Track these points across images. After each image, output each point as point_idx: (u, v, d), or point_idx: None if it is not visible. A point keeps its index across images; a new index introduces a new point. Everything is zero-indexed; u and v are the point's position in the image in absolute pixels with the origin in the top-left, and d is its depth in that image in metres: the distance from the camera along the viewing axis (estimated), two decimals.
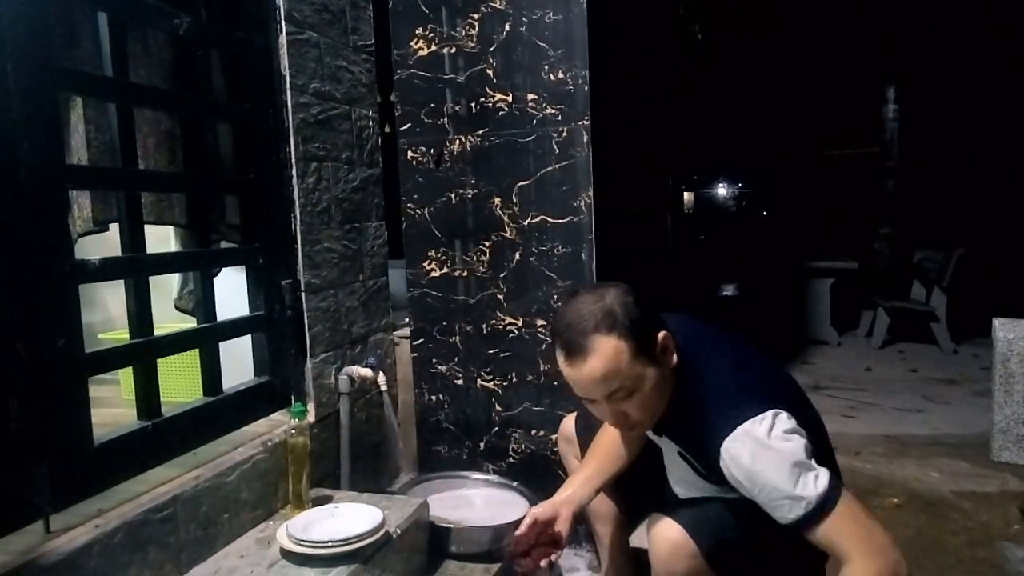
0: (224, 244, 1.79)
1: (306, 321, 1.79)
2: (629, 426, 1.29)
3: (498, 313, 2.21)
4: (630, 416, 1.26)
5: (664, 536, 1.31)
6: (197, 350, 1.59)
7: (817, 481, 1.14)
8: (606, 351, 1.18)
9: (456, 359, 2.28)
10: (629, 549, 1.74)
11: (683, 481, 1.45)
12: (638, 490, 1.62)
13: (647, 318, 1.22)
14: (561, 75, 2.08)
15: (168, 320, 1.95)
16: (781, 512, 1.16)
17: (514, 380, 2.22)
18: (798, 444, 1.17)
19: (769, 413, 1.18)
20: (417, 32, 2.23)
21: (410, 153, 2.27)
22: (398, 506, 1.65)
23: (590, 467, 1.54)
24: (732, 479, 1.21)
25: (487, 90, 2.17)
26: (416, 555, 1.64)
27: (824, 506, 1.13)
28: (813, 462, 1.16)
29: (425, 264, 2.29)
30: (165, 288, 1.89)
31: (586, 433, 1.63)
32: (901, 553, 1.18)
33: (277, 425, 1.72)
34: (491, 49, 2.15)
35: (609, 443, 1.56)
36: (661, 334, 1.23)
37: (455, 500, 2.01)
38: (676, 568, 1.30)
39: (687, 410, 1.28)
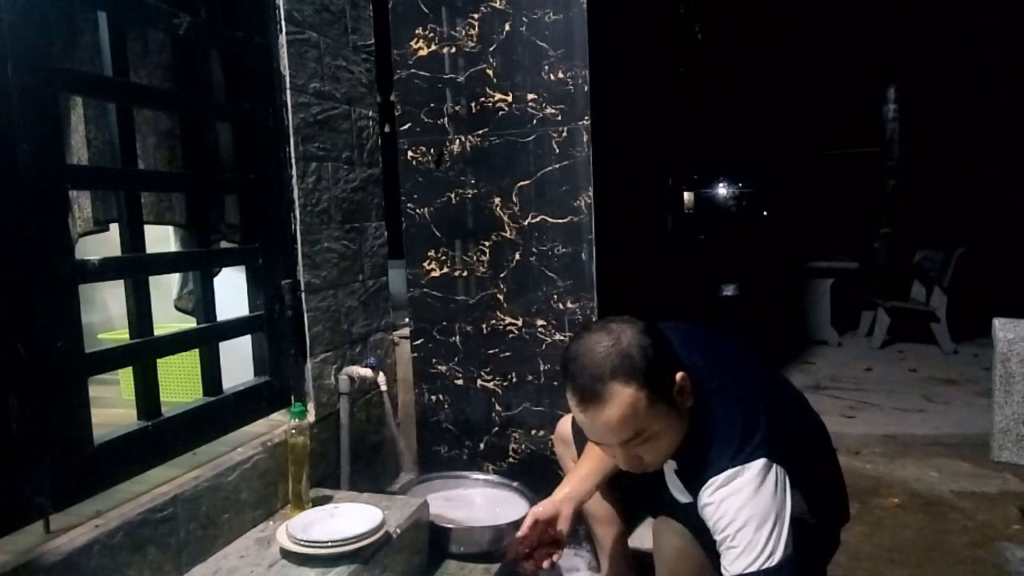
0: (224, 244, 1.79)
1: (306, 321, 1.79)
2: (642, 468, 1.24)
3: (498, 313, 2.21)
4: (644, 459, 1.21)
5: (670, 543, 1.31)
6: (197, 350, 1.59)
7: (774, 551, 1.10)
8: (623, 400, 1.12)
9: (456, 359, 2.28)
10: (628, 551, 1.73)
11: (679, 491, 1.43)
12: (637, 492, 1.61)
13: (664, 361, 1.17)
14: (561, 75, 2.08)
15: (168, 320, 1.95)
16: (727, 559, 1.13)
17: (514, 380, 2.22)
18: (771, 503, 1.13)
19: (757, 463, 1.15)
20: (417, 32, 2.22)
21: (410, 153, 2.27)
22: (398, 506, 1.65)
23: (587, 465, 1.52)
24: (703, 513, 1.19)
25: (487, 90, 2.17)
26: (416, 555, 1.64)
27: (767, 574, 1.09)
28: (783, 529, 1.12)
29: (425, 264, 2.29)
30: (165, 288, 1.89)
31: (582, 434, 1.60)
32: None
33: (277, 425, 1.72)
34: (491, 49, 2.15)
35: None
36: (679, 375, 1.18)
37: (455, 500, 2.01)
38: (681, 574, 1.30)
39: (692, 445, 1.24)
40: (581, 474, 1.51)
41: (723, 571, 1.15)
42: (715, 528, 1.17)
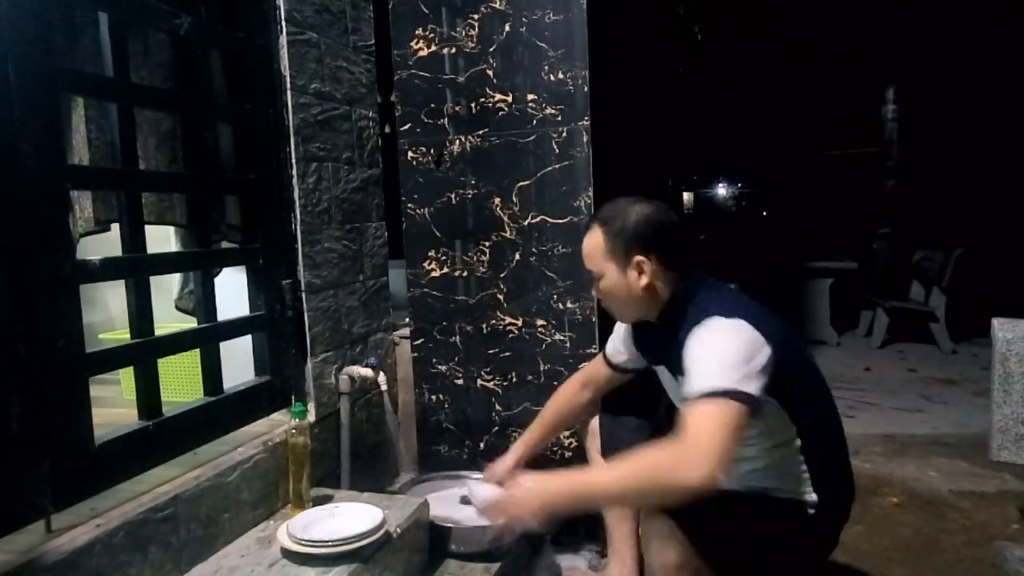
0: (224, 244, 1.79)
1: (306, 321, 1.80)
2: (609, 307, 1.53)
3: (498, 313, 2.22)
4: (604, 299, 1.51)
5: (656, 528, 1.34)
6: (198, 350, 1.59)
7: (731, 375, 1.19)
8: (592, 234, 1.45)
9: (456, 359, 2.28)
10: (638, 547, 1.74)
11: (678, 400, 1.47)
12: None
13: (636, 237, 1.40)
14: (561, 75, 2.08)
15: (169, 320, 1.95)
16: (689, 382, 1.23)
17: (514, 380, 2.22)
18: (741, 344, 1.24)
19: (737, 320, 1.28)
20: (417, 32, 2.23)
21: (410, 153, 2.28)
22: (398, 506, 1.66)
23: (541, 425, 1.80)
24: (684, 354, 1.29)
25: (487, 90, 2.17)
26: (416, 554, 1.64)
27: (714, 393, 1.18)
28: (747, 367, 1.21)
29: (425, 264, 2.29)
30: (166, 288, 1.89)
31: (610, 425, 1.74)
32: (713, 473, 1.13)
33: (277, 425, 1.72)
34: (491, 49, 2.16)
35: (562, 404, 1.79)
36: (639, 256, 1.40)
37: (455, 500, 2.01)
38: (668, 557, 1.34)
39: (678, 313, 1.40)
40: (534, 434, 1.80)
41: (685, 393, 1.23)
42: (689, 361, 1.27)
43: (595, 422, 1.79)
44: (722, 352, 1.23)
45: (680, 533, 1.32)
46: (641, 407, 1.74)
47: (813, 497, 1.39)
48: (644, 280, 1.40)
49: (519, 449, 1.80)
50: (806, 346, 1.51)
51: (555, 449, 2.17)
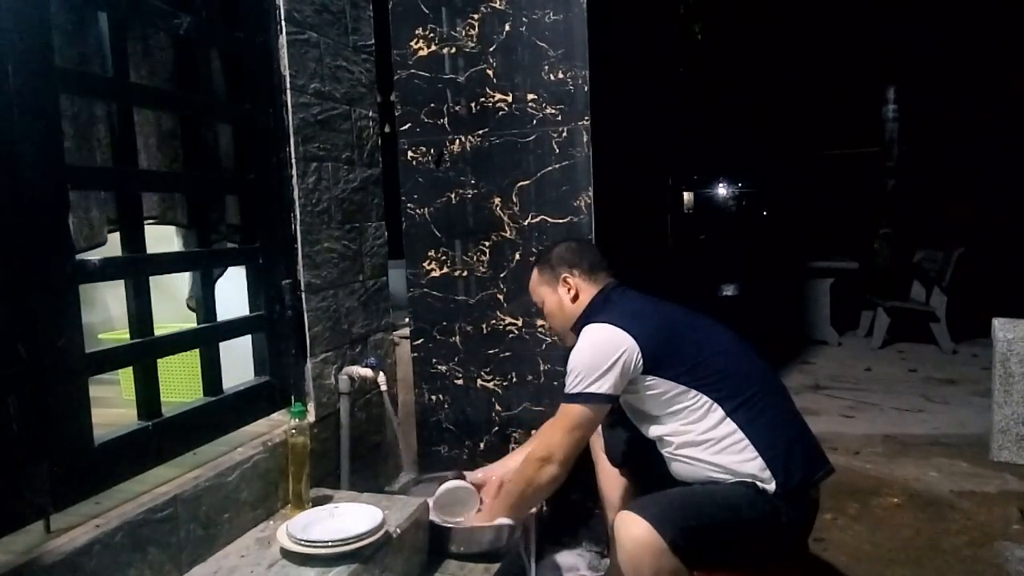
0: (225, 244, 1.79)
1: (306, 321, 1.79)
2: (553, 329, 1.89)
3: (498, 313, 2.22)
4: (548, 325, 1.91)
5: (629, 533, 1.35)
6: (197, 350, 1.59)
7: (580, 383, 1.51)
8: (531, 277, 1.80)
9: (456, 359, 2.28)
10: None
11: None
12: (649, 481, 1.64)
13: (559, 262, 1.73)
14: (561, 75, 2.08)
15: (168, 320, 1.95)
16: (565, 383, 1.56)
17: (514, 380, 2.22)
18: (594, 352, 1.52)
19: (601, 324, 1.56)
20: (417, 32, 2.23)
21: (410, 153, 2.28)
22: (398, 506, 1.65)
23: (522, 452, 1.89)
24: None
25: (487, 90, 2.17)
26: (416, 555, 1.64)
27: (569, 399, 1.53)
28: (594, 373, 1.50)
29: (425, 264, 2.29)
30: (166, 288, 1.89)
31: (609, 428, 1.80)
32: (561, 467, 1.55)
33: (277, 425, 1.72)
34: (491, 49, 2.15)
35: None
36: (564, 275, 1.72)
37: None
38: (643, 563, 1.33)
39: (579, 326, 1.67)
40: (517, 457, 1.87)
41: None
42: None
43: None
44: (579, 359, 1.54)
45: (661, 543, 1.33)
46: None
47: (761, 464, 1.44)
48: (572, 291, 1.71)
49: (500, 468, 1.88)
50: (713, 325, 1.66)
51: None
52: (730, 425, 1.48)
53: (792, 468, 1.46)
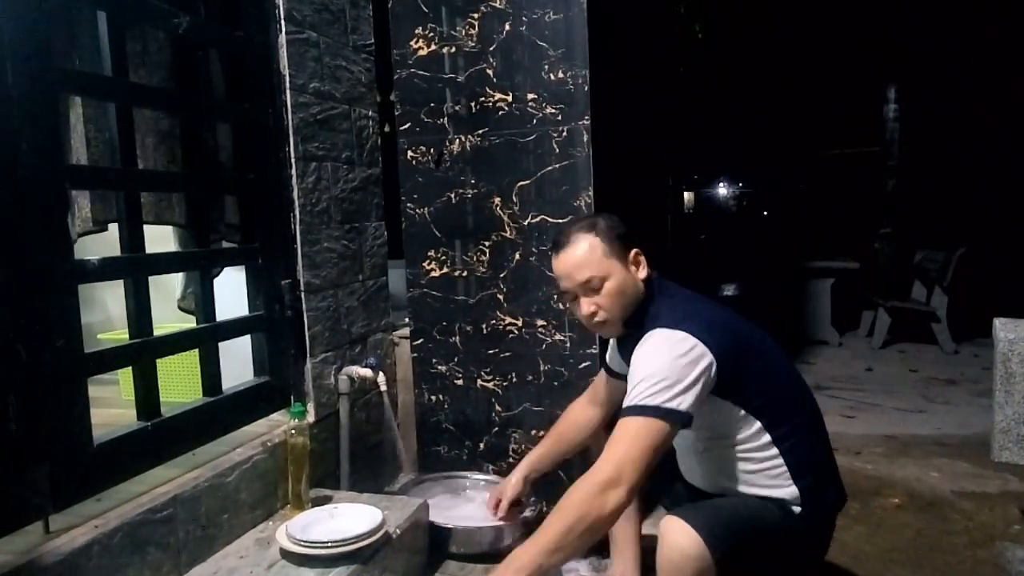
0: (224, 244, 1.79)
1: (306, 321, 1.79)
2: (600, 321, 1.47)
3: (498, 313, 2.21)
4: (600, 308, 1.45)
5: (676, 542, 1.28)
6: (197, 350, 1.58)
7: (661, 393, 1.27)
8: (583, 243, 1.45)
9: (456, 359, 2.28)
10: (640, 539, 1.74)
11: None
12: (651, 481, 1.62)
13: (625, 234, 1.48)
14: (561, 75, 2.07)
15: (168, 320, 1.95)
16: (631, 393, 1.31)
17: (514, 380, 2.22)
18: (679, 361, 1.29)
19: (679, 332, 1.33)
20: (417, 32, 2.22)
21: (410, 153, 2.27)
22: (398, 506, 1.65)
23: (547, 443, 1.76)
24: (632, 362, 1.36)
25: (487, 90, 2.17)
26: (416, 555, 1.64)
27: (641, 410, 1.27)
28: (680, 385, 1.27)
29: (425, 264, 2.28)
30: (165, 288, 1.89)
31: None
32: (630, 494, 1.25)
33: (277, 425, 1.72)
34: (491, 49, 2.15)
35: (568, 422, 1.75)
36: (634, 250, 1.48)
37: (455, 500, 2.01)
38: (686, 572, 1.29)
39: (641, 320, 1.45)
40: (540, 451, 1.76)
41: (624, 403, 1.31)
42: (630, 373, 1.35)
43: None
44: (656, 368, 1.30)
45: (707, 552, 1.28)
46: None
47: (795, 492, 1.41)
48: (643, 272, 1.49)
49: (523, 469, 1.76)
50: (774, 347, 1.51)
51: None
52: (773, 450, 1.41)
53: (823, 499, 1.44)
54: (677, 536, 1.28)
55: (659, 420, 1.26)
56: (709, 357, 1.31)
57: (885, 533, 2.30)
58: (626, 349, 1.56)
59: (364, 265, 2.07)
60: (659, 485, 1.59)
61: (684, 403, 1.27)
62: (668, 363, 1.30)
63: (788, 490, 1.41)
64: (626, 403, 1.30)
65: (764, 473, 1.42)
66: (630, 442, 1.26)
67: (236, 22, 1.65)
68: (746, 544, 1.33)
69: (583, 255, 1.44)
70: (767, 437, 1.41)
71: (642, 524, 1.76)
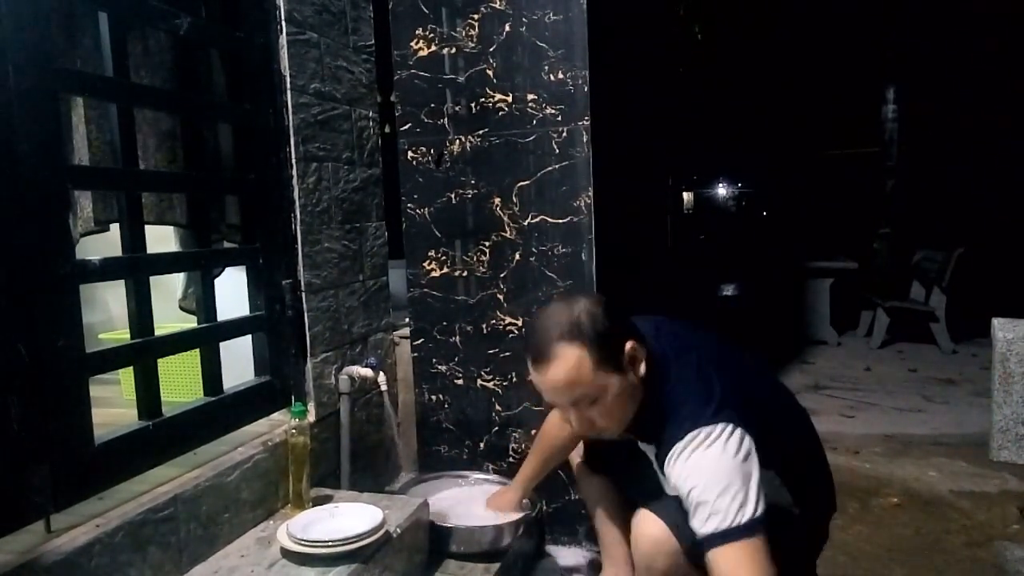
0: (225, 244, 1.79)
1: (306, 321, 1.80)
2: (596, 432, 1.33)
3: (498, 313, 2.22)
4: (596, 423, 1.29)
5: (646, 532, 1.32)
6: (198, 350, 1.59)
7: (743, 508, 1.13)
8: (569, 359, 1.21)
9: (456, 359, 2.28)
10: (627, 540, 1.74)
11: (663, 478, 1.45)
12: (636, 487, 1.63)
13: (614, 329, 1.25)
14: (561, 75, 2.08)
15: (169, 320, 1.95)
16: (696, 520, 1.17)
17: (514, 380, 2.22)
18: (738, 462, 1.16)
19: (720, 426, 1.19)
20: (417, 32, 2.23)
21: (410, 153, 2.28)
22: (398, 506, 1.66)
23: (534, 463, 1.77)
24: (672, 481, 1.23)
25: (487, 90, 2.17)
26: (416, 554, 1.64)
27: (733, 534, 1.12)
28: (751, 488, 1.15)
29: (425, 264, 2.29)
30: (166, 288, 1.89)
31: (593, 444, 1.70)
32: None
33: (277, 425, 1.72)
34: (491, 49, 2.15)
35: (547, 444, 1.73)
36: (629, 344, 1.25)
37: (455, 499, 2.01)
38: (657, 564, 1.32)
39: (653, 416, 1.30)
40: (528, 473, 1.78)
41: (695, 532, 1.18)
42: (684, 493, 1.20)
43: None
44: (726, 481, 1.15)
45: (675, 542, 1.29)
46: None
47: (788, 499, 1.39)
48: (642, 368, 1.28)
49: (519, 490, 1.82)
50: (753, 365, 1.45)
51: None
52: (769, 472, 1.32)
53: (817, 504, 1.45)
54: (647, 527, 1.31)
55: (757, 536, 1.13)
56: (748, 437, 1.20)
57: (884, 532, 2.31)
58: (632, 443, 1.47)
59: (364, 265, 2.08)
60: (643, 492, 1.58)
61: (761, 500, 1.16)
62: (734, 468, 1.16)
63: (783, 498, 1.40)
64: (713, 528, 1.14)
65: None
66: (753, 571, 1.12)
67: (237, 23, 1.65)
68: None
69: (570, 375, 1.22)
70: (768, 474, 1.32)
71: (627, 526, 1.75)
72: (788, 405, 1.50)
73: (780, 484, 1.36)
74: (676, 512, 1.31)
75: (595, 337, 1.22)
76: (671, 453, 1.22)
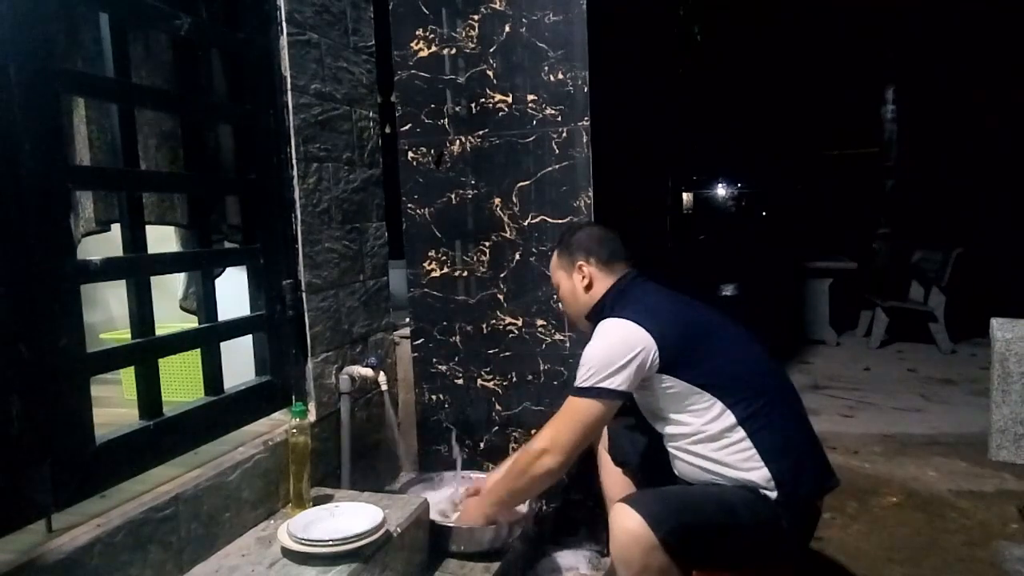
0: (225, 244, 1.79)
1: (307, 321, 1.80)
2: (565, 311, 1.88)
3: (498, 313, 2.22)
4: (561, 302, 1.83)
5: (622, 525, 1.36)
6: (198, 350, 1.59)
7: (592, 375, 1.47)
8: (552, 259, 1.80)
9: (456, 359, 2.29)
10: None
11: None
12: (652, 481, 1.64)
13: (578, 250, 1.70)
14: (561, 76, 2.08)
15: (170, 320, 1.95)
16: (576, 377, 1.52)
17: (514, 380, 2.22)
18: (624, 346, 1.47)
19: (621, 319, 1.51)
20: (417, 33, 2.23)
21: (410, 153, 2.28)
22: (398, 505, 1.66)
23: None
24: None
25: (487, 91, 2.17)
26: (416, 554, 1.65)
27: (579, 392, 1.49)
28: (610, 367, 1.46)
29: (425, 264, 2.29)
30: (167, 288, 1.89)
31: (615, 428, 1.79)
32: (561, 460, 1.51)
33: (278, 424, 1.72)
34: (491, 50, 2.16)
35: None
36: (581, 261, 1.69)
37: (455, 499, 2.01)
38: (632, 557, 1.34)
39: (597, 315, 1.64)
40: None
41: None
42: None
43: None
44: (594, 353, 1.50)
45: (652, 537, 1.33)
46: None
47: (766, 474, 1.43)
48: (586, 280, 1.68)
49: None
50: (737, 332, 1.60)
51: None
52: (739, 432, 1.46)
53: (800, 480, 1.46)
54: (622, 520, 1.36)
55: (592, 400, 1.47)
56: (646, 338, 1.47)
57: (883, 532, 2.32)
58: None
59: (365, 265, 2.08)
60: (655, 484, 1.61)
61: (615, 382, 1.46)
62: (604, 347, 1.49)
63: (758, 473, 1.44)
64: (575, 382, 1.51)
65: (732, 455, 1.46)
66: (564, 419, 1.51)
67: (237, 24, 1.66)
68: (703, 525, 1.38)
69: (551, 268, 1.81)
70: (731, 418, 1.47)
71: None
72: (780, 386, 1.57)
73: (752, 448, 1.45)
74: (652, 503, 1.38)
75: (562, 247, 1.75)
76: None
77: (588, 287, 1.68)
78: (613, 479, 1.82)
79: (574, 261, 1.70)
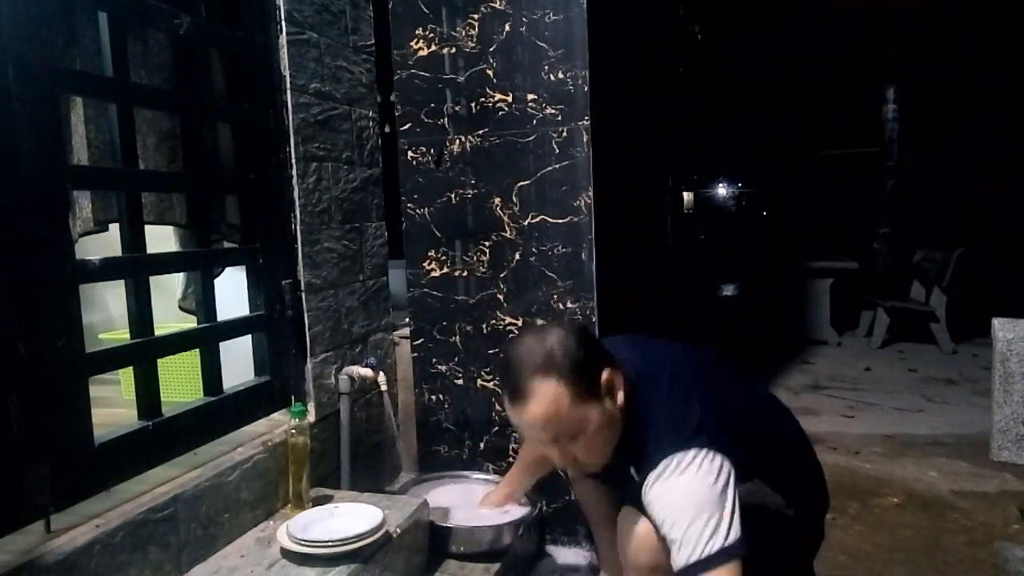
0: (225, 244, 1.79)
1: (306, 321, 1.80)
2: (580, 467, 1.29)
3: (498, 313, 2.22)
4: (578, 458, 1.25)
5: (630, 529, 1.33)
6: (197, 350, 1.59)
7: (714, 537, 1.11)
8: (545, 395, 1.16)
9: (456, 359, 2.28)
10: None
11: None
12: (629, 489, 1.63)
13: (590, 358, 1.20)
14: (561, 75, 2.08)
15: (169, 320, 1.95)
16: (672, 553, 1.14)
17: None
18: (709, 489, 1.13)
19: (692, 451, 1.15)
20: (417, 32, 2.23)
21: (410, 153, 2.28)
22: (398, 506, 1.65)
23: (520, 471, 1.78)
24: (648, 511, 1.21)
25: (487, 90, 2.17)
26: (416, 555, 1.64)
27: (703, 565, 1.10)
28: (724, 515, 1.12)
29: (425, 264, 2.29)
30: (166, 288, 1.89)
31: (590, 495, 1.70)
32: None
33: (277, 425, 1.72)
34: (491, 49, 2.15)
35: (529, 460, 1.73)
36: (605, 374, 1.21)
37: (455, 499, 2.01)
38: (641, 560, 1.32)
39: (631, 442, 1.26)
40: (515, 476, 1.78)
41: (673, 567, 1.15)
42: (659, 524, 1.18)
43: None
44: (696, 507, 1.12)
45: (656, 537, 1.27)
46: None
47: (780, 500, 1.39)
48: (620, 396, 1.23)
49: (504, 488, 1.83)
50: (745, 379, 1.42)
51: None
52: (754, 482, 1.34)
53: (810, 504, 1.45)
54: (631, 524, 1.32)
55: (733, 560, 1.11)
56: (727, 462, 1.16)
57: (884, 532, 2.31)
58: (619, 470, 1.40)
59: (364, 265, 2.08)
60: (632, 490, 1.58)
61: (736, 528, 1.12)
62: (705, 496, 1.13)
63: (774, 499, 1.40)
64: (684, 560, 1.11)
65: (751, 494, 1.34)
66: None
67: (236, 23, 1.65)
68: None
69: (548, 411, 1.16)
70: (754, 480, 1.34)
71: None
72: (772, 410, 1.48)
73: (771, 490, 1.36)
74: None
75: (571, 369, 1.17)
76: (647, 481, 1.19)
77: (623, 403, 1.24)
78: (590, 491, 1.71)
79: (596, 379, 1.20)
